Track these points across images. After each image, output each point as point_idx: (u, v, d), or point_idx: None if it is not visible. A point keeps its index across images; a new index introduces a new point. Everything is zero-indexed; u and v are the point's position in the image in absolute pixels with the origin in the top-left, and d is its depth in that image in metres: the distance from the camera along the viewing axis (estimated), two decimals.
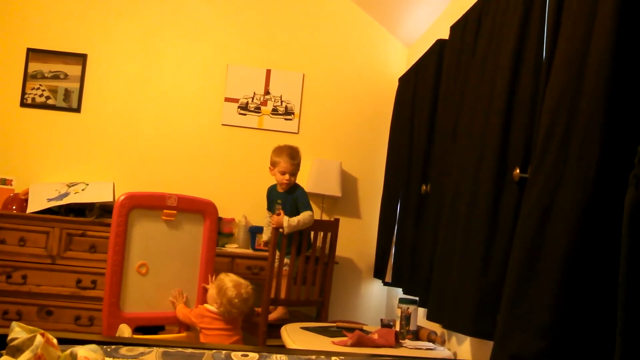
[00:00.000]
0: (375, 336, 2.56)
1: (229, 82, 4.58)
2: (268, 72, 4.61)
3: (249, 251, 4.21)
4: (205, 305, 2.89)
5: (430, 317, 2.67)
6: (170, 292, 2.93)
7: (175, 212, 2.93)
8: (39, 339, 1.05)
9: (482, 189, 2.27)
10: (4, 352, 1.04)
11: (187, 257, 3.00)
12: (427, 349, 2.60)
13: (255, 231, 4.28)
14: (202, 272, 3.03)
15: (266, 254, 3.66)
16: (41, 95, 4.42)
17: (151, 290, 2.86)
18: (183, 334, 2.92)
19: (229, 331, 2.84)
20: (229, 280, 2.87)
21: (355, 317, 4.52)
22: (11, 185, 4.26)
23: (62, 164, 4.41)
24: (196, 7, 4.59)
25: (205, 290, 2.98)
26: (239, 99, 4.58)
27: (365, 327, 2.97)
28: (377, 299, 4.65)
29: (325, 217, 4.53)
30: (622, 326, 1.25)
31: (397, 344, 2.58)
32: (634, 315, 1.23)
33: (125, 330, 2.74)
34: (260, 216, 4.36)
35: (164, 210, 2.90)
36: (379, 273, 4.12)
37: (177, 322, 2.94)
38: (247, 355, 1.46)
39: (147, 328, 2.92)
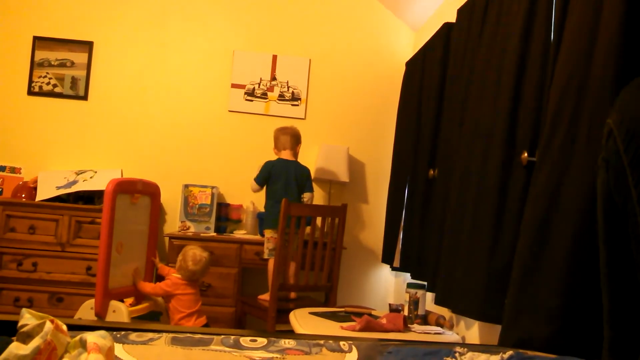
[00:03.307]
0: (384, 321, 2.57)
1: (235, 68, 4.56)
2: (274, 57, 4.60)
3: (257, 237, 4.21)
4: (174, 274, 3.26)
5: (438, 301, 2.67)
6: (132, 266, 3.24)
7: (140, 195, 3.26)
8: (48, 325, 1.05)
9: (490, 173, 2.26)
10: (14, 338, 1.05)
11: (142, 234, 3.35)
12: (435, 334, 2.60)
13: (263, 217, 4.28)
14: (150, 246, 3.40)
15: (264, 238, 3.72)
16: (48, 84, 4.43)
17: (124, 266, 3.15)
18: (146, 304, 3.25)
19: (196, 295, 3.26)
20: (189, 249, 3.29)
21: (364, 302, 4.54)
22: (20, 173, 4.28)
23: (70, 152, 4.43)
24: None
25: (152, 262, 3.40)
26: (245, 85, 4.57)
27: (373, 312, 2.98)
28: (385, 283, 4.66)
29: (333, 203, 4.53)
30: (607, 313, 1.25)
31: (406, 329, 2.59)
32: (617, 301, 1.23)
33: (122, 307, 2.97)
34: None
35: (134, 194, 3.21)
36: (387, 258, 4.13)
37: (138, 293, 3.26)
38: (255, 340, 1.47)
39: None
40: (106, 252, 2.94)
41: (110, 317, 2.95)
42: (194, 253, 3.23)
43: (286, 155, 3.81)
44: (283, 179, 3.72)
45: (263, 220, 3.86)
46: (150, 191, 3.33)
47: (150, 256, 3.39)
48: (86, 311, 3.00)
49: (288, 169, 3.75)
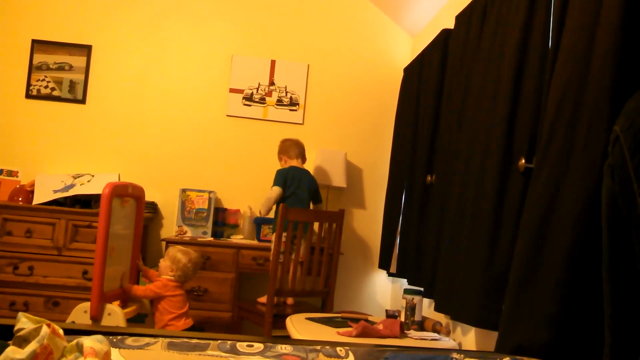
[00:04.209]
0: (380, 327, 2.57)
1: (233, 73, 4.57)
2: (273, 62, 4.60)
3: (254, 242, 4.21)
4: (163, 276, 3.25)
5: (437, 308, 2.68)
6: (120, 269, 3.22)
7: (129, 198, 3.26)
8: (44, 329, 1.05)
9: (488, 179, 2.27)
10: (10, 342, 1.05)
11: (129, 237, 3.34)
12: (432, 340, 2.60)
13: (260, 222, 4.28)
14: (135, 249, 3.37)
15: (271, 245, 3.69)
16: (46, 87, 4.42)
17: (114, 269, 3.14)
18: (134, 307, 3.22)
19: (184, 297, 3.26)
20: (178, 250, 3.28)
21: (360, 308, 4.53)
22: (17, 176, 4.28)
23: (68, 156, 4.42)
24: None
25: (137, 265, 3.36)
26: (243, 90, 4.57)
27: (370, 318, 2.98)
28: (382, 289, 4.65)
29: (330, 208, 4.53)
30: (608, 318, 1.25)
31: (402, 335, 2.58)
32: (619, 306, 1.23)
33: (117, 310, 2.98)
34: None
35: (125, 197, 3.21)
36: (383, 264, 4.13)
37: (125, 296, 3.24)
38: (252, 346, 1.46)
39: None
40: (102, 256, 2.95)
41: (106, 320, 2.96)
42: (188, 255, 3.25)
43: (297, 164, 3.91)
44: (296, 185, 3.80)
45: (272, 224, 3.88)
46: (137, 194, 3.35)
47: (135, 259, 3.38)
48: (79, 314, 3.00)
49: (301, 177, 3.84)
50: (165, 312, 3.17)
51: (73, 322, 2.95)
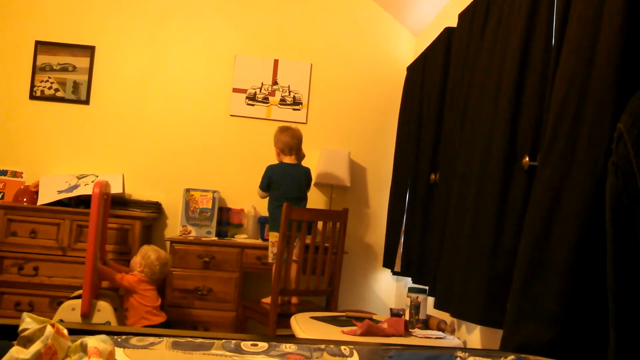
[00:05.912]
0: (385, 325, 2.56)
1: (236, 73, 4.57)
2: (276, 62, 4.60)
3: (259, 241, 4.21)
4: (135, 272, 3.42)
5: (438, 305, 2.67)
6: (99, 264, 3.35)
7: (106, 195, 3.39)
8: (49, 329, 1.05)
9: (491, 177, 2.26)
10: (14, 342, 1.05)
11: (103, 233, 3.48)
12: (436, 338, 2.59)
13: (264, 222, 4.28)
14: (102, 244, 3.52)
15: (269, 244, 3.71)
16: (50, 88, 4.43)
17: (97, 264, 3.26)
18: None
19: (155, 291, 3.42)
20: (150, 249, 3.49)
21: (365, 307, 4.53)
22: (21, 177, 4.29)
23: (72, 156, 4.43)
24: None
25: (104, 262, 3.51)
26: (246, 90, 4.58)
27: (374, 317, 2.97)
28: (386, 288, 4.65)
29: (334, 207, 4.53)
30: (614, 317, 1.25)
31: (407, 333, 2.58)
32: (624, 304, 1.23)
33: (106, 306, 3.11)
34: None
35: (104, 195, 3.33)
36: (388, 262, 4.12)
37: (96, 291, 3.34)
38: (256, 345, 1.46)
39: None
40: (94, 253, 3.06)
41: (96, 316, 3.00)
42: (157, 253, 3.45)
43: (289, 160, 3.79)
44: (284, 189, 3.71)
45: (268, 224, 3.85)
46: (108, 191, 3.48)
47: (103, 255, 3.48)
48: (67, 312, 3.04)
49: (291, 176, 3.74)
50: (140, 306, 3.32)
51: (61, 320, 2.98)
